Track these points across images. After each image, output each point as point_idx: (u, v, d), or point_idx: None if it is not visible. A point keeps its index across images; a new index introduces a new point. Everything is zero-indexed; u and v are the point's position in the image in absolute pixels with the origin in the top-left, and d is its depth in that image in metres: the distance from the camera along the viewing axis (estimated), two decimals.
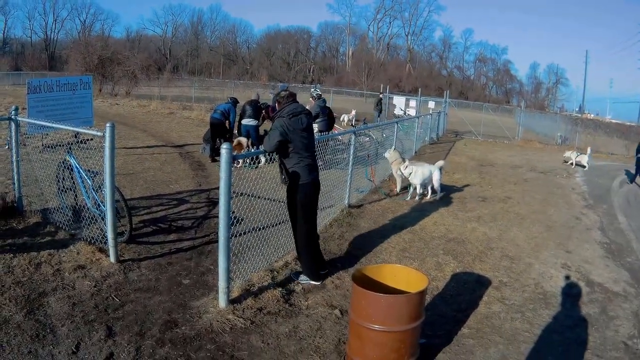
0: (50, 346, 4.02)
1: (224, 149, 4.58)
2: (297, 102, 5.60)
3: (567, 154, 19.54)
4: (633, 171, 15.72)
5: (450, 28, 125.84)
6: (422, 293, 3.97)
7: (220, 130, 13.13)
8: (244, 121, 13.06)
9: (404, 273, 4.39)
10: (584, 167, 18.26)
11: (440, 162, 10.77)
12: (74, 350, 4.01)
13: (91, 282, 5.27)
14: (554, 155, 20.68)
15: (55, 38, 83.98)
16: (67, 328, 4.32)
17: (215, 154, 12.66)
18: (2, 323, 4.28)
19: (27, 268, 5.40)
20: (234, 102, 13.65)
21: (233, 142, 12.53)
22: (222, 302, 4.92)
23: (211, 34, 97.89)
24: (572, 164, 18.75)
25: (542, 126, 33.71)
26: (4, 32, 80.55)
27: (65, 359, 3.88)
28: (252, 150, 11.96)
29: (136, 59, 38.49)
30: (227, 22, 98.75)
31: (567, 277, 6.57)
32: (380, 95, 27.78)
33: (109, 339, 4.22)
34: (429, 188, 10.26)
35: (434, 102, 29.36)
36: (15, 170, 7.12)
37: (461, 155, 18.94)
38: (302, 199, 5.49)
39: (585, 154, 18.57)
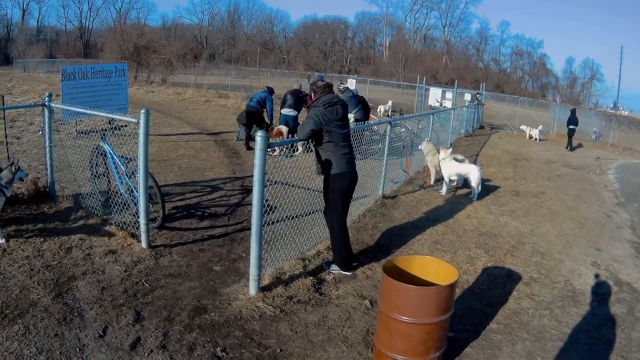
0: (77, 329, 4.07)
1: (259, 136, 4.54)
2: (333, 93, 5.60)
3: (522, 127, 25.37)
4: None
5: (487, 20, 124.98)
6: (452, 286, 3.88)
7: (256, 118, 13.10)
8: (284, 111, 12.94)
9: (434, 265, 4.35)
10: (537, 140, 23.58)
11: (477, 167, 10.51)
12: (101, 334, 4.05)
13: (121, 267, 5.34)
14: (588, 151, 20.32)
15: (90, 26, 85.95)
16: (95, 312, 4.38)
17: (250, 141, 12.69)
18: (30, 306, 4.35)
19: (58, 252, 5.50)
20: (270, 91, 13.62)
21: (272, 130, 12.57)
22: (252, 289, 4.92)
23: (248, 22, 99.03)
24: (530, 137, 24.07)
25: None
26: (38, 21, 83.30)
27: (92, 342, 3.92)
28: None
29: (172, 47, 38.96)
30: (263, 11, 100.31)
31: (596, 276, 6.43)
32: (477, 94, 27.16)
33: (137, 324, 4.26)
34: (474, 186, 9.85)
35: (470, 95, 29.04)
36: (48, 156, 7.25)
37: (496, 149, 18.77)
38: (339, 188, 5.49)
39: (536, 129, 24.12)
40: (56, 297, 4.54)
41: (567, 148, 21.41)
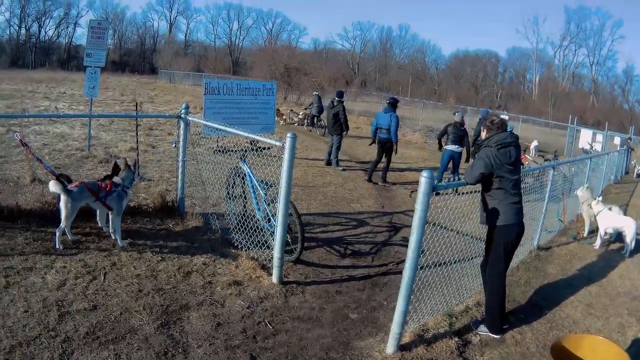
0: None
1: (424, 177, 4.18)
2: (507, 131, 5.34)
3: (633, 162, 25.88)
4: None
5: (632, 60, 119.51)
6: None
7: (389, 148, 12.30)
8: (448, 147, 12.24)
9: (603, 348, 4.20)
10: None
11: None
12: None
13: (245, 302, 5.13)
14: None
15: (239, 44, 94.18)
16: (203, 350, 4.16)
17: (383, 177, 12.25)
18: (128, 332, 4.22)
19: (174, 275, 5.40)
20: (394, 103, 12.45)
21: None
22: (390, 347, 4.62)
23: (400, 51, 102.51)
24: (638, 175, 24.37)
25: None
26: (185, 35, 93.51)
27: None
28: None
29: (324, 71, 40.07)
30: (416, 41, 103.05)
31: None
32: (628, 138, 25.98)
33: None
34: (627, 241, 9.17)
35: (619, 138, 27.67)
36: (180, 170, 7.32)
37: None
38: (504, 241, 5.26)
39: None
40: (161, 327, 4.39)
41: None
